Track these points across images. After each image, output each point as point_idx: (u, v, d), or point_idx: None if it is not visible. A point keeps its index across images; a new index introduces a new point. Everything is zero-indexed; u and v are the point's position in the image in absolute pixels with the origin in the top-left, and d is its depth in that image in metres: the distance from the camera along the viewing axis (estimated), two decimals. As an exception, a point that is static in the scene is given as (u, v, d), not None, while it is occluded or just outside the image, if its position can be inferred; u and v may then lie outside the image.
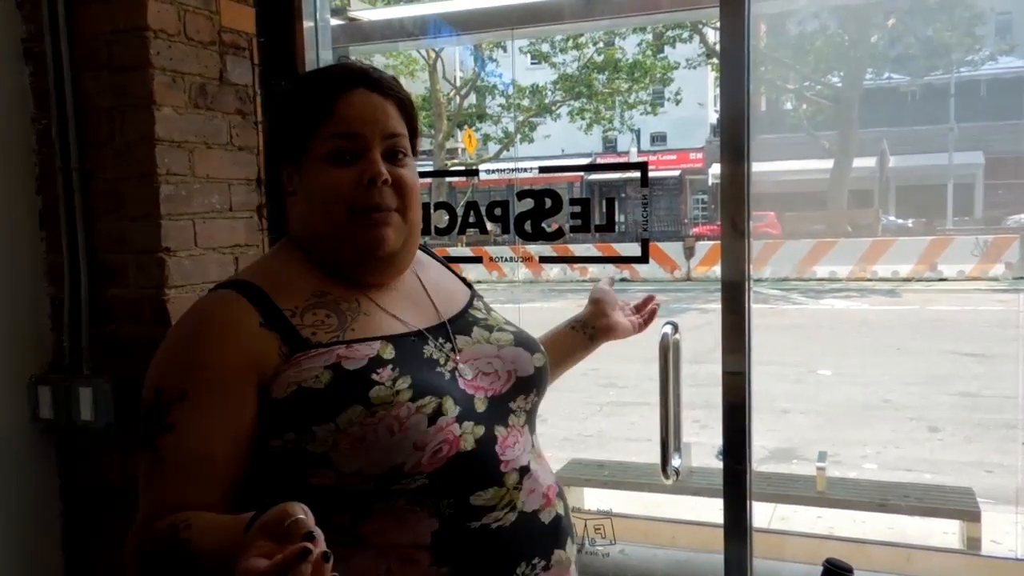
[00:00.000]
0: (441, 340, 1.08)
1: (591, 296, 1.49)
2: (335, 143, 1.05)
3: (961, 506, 3.58)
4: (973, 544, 3.46)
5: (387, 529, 0.98)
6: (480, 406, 1.04)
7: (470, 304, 1.20)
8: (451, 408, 0.99)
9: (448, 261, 1.31)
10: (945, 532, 3.69)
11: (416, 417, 0.96)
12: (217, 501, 0.95)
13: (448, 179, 10.07)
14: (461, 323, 1.13)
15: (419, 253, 1.23)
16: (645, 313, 1.56)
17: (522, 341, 1.15)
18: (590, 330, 1.45)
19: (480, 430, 1.02)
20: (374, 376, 0.97)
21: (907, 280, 10.02)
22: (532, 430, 1.14)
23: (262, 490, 0.98)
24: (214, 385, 0.97)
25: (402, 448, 0.95)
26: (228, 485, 0.96)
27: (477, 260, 2.50)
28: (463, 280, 1.27)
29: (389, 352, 1.01)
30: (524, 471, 1.06)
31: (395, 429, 0.95)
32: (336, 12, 2.53)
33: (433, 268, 1.24)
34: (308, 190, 1.07)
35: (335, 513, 0.97)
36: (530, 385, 1.12)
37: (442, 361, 1.06)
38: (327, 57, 2.36)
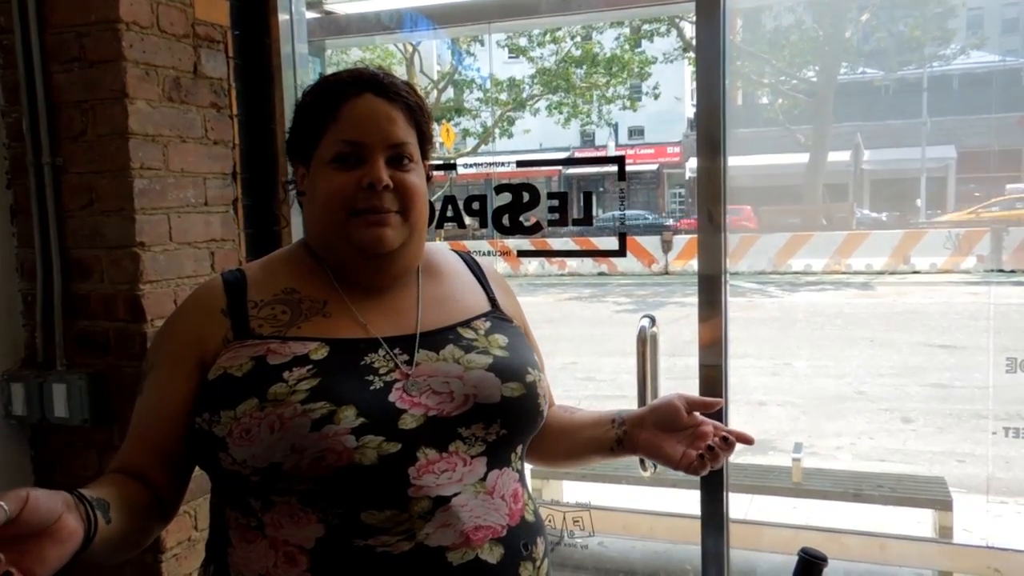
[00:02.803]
0: (397, 351, 1.05)
1: (654, 401, 1.20)
2: (338, 148, 1.06)
3: (933, 495, 3.64)
4: (945, 532, 3.52)
5: (282, 524, 0.98)
6: (409, 423, 0.99)
7: (468, 321, 1.13)
8: (348, 418, 0.96)
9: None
10: (918, 521, 3.75)
11: (300, 420, 0.94)
12: (150, 463, 1.04)
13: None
14: (436, 338, 1.09)
15: (442, 258, 1.22)
16: (716, 444, 1.08)
17: (499, 367, 1.07)
18: (621, 432, 1.17)
19: (393, 447, 0.97)
20: (284, 374, 0.98)
21: (881, 273, 10.13)
22: (499, 464, 1.06)
23: (199, 461, 1.06)
24: (168, 359, 1.07)
25: (279, 448, 0.94)
26: (162, 452, 1.04)
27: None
28: (490, 297, 1.20)
29: (320, 354, 1.01)
30: (441, 502, 0.98)
31: (275, 427, 0.95)
32: (312, 5, 2.52)
33: (447, 276, 1.20)
34: (313, 192, 1.09)
35: (249, 496, 1.00)
36: (493, 414, 1.04)
37: (383, 371, 1.02)
38: (303, 51, 2.35)
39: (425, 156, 1.14)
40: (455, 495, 0.99)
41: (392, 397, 1.00)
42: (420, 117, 1.12)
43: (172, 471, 1.05)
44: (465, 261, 1.26)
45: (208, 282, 1.12)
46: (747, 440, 1.11)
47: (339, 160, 1.06)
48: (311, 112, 1.10)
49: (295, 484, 0.96)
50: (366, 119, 1.06)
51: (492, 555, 1.01)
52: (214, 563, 1.05)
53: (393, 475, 0.97)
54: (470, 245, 2.44)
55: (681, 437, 1.12)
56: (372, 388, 1.00)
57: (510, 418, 1.06)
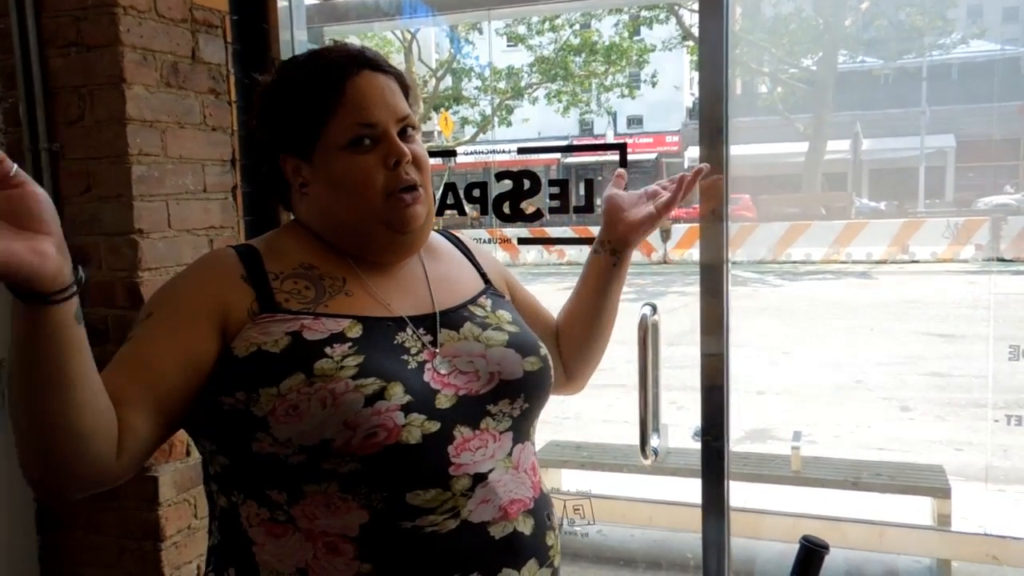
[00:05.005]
0: (422, 331, 1.06)
1: (601, 208, 1.36)
2: (354, 131, 1.04)
3: (932, 483, 3.66)
4: (943, 520, 3.53)
5: (317, 514, 0.97)
6: (444, 403, 1.01)
7: (474, 299, 1.16)
8: (397, 395, 0.96)
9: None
10: (917, 509, 3.76)
11: (353, 395, 0.94)
12: (137, 400, 0.93)
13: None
14: (453, 317, 1.10)
15: (436, 240, 1.23)
16: (672, 187, 1.36)
17: (516, 343, 1.10)
18: (608, 245, 1.34)
19: (433, 426, 0.98)
20: (327, 349, 0.97)
21: (880, 262, 10.13)
22: (521, 438, 1.09)
23: (215, 448, 1.02)
24: (177, 309, 1.01)
25: (332, 423, 0.93)
26: (154, 398, 0.95)
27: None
28: (481, 273, 1.23)
29: (355, 331, 1.01)
30: (479, 478, 1.01)
31: (327, 402, 0.93)
32: (311, -9, 2.49)
33: (444, 256, 1.22)
34: (329, 179, 1.06)
35: (273, 487, 0.98)
36: (517, 389, 1.07)
37: (414, 351, 1.04)
38: (302, 37, 2.33)
39: None
40: (490, 471, 1.02)
41: (426, 377, 1.02)
42: (407, 84, 1.13)
43: (154, 424, 0.95)
44: (450, 241, 1.28)
45: (218, 250, 1.08)
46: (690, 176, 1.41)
47: (355, 143, 1.04)
48: (308, 99, 1.05)
49: (341, 465, 0.95)
50: (374, 97, 1.05)
51: (526, 526, 1.05)
52: (235, 565, 1.02)
53: (435, 454, 0.98)
54: (469, 233, 2.43)
55: (640, 203, 1.36)
56: (409, 367, 1.01)
57: (532, 392, 1.09)
